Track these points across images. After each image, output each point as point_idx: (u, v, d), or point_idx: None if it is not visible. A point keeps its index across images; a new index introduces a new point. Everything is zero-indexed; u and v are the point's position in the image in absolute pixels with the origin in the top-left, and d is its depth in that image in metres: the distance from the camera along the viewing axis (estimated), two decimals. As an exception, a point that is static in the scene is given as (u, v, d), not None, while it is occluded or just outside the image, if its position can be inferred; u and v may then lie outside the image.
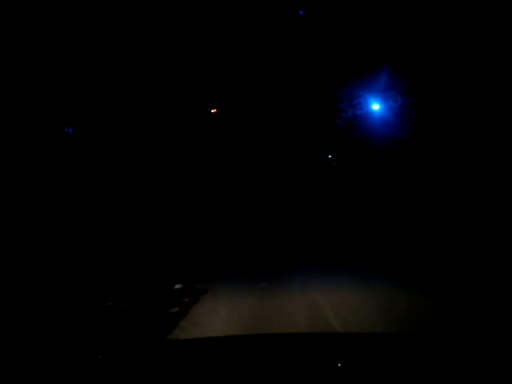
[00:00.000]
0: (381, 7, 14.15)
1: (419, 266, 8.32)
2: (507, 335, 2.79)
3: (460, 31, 11.87)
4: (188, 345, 2.31)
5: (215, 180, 22.60)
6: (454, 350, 1.78)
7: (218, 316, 5.77)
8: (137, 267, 9.11)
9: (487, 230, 9.50)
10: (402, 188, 14.43)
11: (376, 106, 15.88)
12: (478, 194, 10.89)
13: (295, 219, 21.44)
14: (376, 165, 16.72)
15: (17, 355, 4.37)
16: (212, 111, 21.88)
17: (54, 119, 11.08)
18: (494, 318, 4.86)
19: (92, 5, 11.87)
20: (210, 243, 13.56)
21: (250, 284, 7.72)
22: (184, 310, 6.19)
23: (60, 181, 10.60)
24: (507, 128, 10.73)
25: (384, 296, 6.09)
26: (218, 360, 1.83)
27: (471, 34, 11.57)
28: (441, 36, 12.51)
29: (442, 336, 2.52)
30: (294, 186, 29.93)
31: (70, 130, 12.04)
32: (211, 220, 17.78)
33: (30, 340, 4.93)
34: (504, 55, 10.90)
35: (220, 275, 9.07)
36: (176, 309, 6.28)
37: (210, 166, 22.54)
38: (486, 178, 11.02)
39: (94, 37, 12.05)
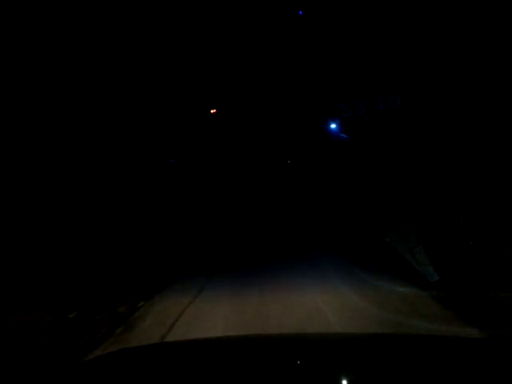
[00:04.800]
0: (380, 7, 14.17)
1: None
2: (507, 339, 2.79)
3: (456, 33, 11.92)
4: (186, 346, 2.31)
5: (213, 177, 22.81)
6: (454, 351, 1.78)
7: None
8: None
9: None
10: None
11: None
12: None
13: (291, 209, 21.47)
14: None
15: None
16: (212, 111, 21.95)
17: (55, 115, 11.08)
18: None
19: (92, 5, 11.86)
20: (193, 239, 13.21)
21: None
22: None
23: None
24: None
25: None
26: (215, 361, 1.83)
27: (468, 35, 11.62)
28: (438, 36, 12.54)
29: (442, 337, 2.52)
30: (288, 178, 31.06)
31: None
32: (203, 216, 17.74)
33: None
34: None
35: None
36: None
37: (209, 164, 22.72)
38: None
39: (93, 37, 12.05)
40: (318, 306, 5.65)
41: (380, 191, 15.43)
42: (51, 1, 10.67)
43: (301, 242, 11.66)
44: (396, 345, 1.93)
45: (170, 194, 17.10)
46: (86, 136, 12.03)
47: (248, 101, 22.94)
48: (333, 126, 18.91)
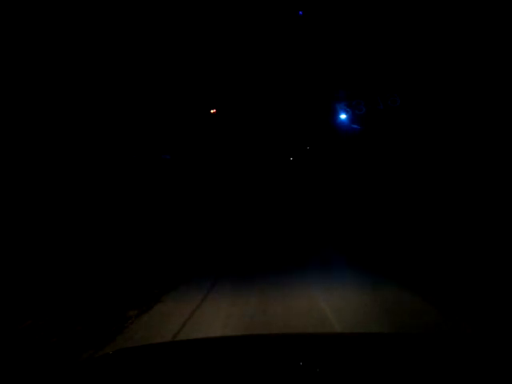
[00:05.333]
0: (380, 8, 14.18)
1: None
2: (506, 338, 2.78)
3: (455, 34, 11.93)
4: (185, 346, 2.30)
5: (214, 177, 22.78)
6: (454, 350, 1.77)
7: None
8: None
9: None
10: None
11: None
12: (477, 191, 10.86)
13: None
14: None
15: None
16: (211, 111, 21.96)
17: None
18: (493, 318, 4.86)
19: (92, 5, 11.86)
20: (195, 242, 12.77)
21: None
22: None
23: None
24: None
25: None
26: (215, 361, 1.83)
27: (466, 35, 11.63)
28: (438, 36, 12.55)
29: (442, 336, 2.52)
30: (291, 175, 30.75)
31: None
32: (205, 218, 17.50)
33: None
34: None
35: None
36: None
37: (210, 164, 22.71)
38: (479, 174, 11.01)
39: (93, 37, 12.05)
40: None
41: (390, 187, 15.25)
42: (51, 0, 10.68)
43: (305, 244, 11.46)
44: (396, 345, 1.92)
45: (169, 191, 16.99)
46: (83, 133, 11.82)
47: (248, 101, 22.97)
48: (343, 116, 17.30)
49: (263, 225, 16.36)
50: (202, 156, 22.06)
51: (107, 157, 13.11)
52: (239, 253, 10.90)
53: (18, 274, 7.51)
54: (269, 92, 22.11)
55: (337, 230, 13.54)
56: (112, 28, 12.65)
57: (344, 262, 9.03)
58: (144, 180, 15.28)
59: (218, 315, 5.67)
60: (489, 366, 1.55)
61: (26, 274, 7.58)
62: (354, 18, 15.16)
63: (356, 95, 16.26)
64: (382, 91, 15.46)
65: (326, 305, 5.75)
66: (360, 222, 14.00)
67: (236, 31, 17.69)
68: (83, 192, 11.27)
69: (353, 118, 17.30)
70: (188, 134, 19.46)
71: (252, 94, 22.32)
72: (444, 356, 1.67)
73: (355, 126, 17.99)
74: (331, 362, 1.73)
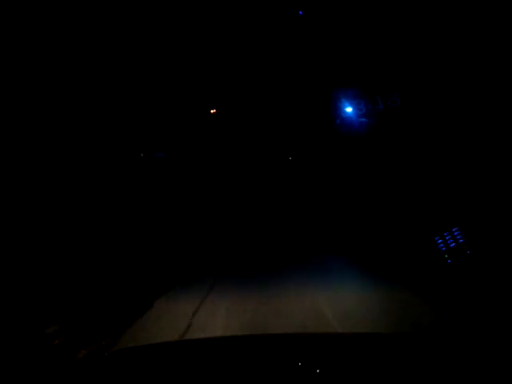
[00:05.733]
0: (380, 7, 14.16)
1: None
2: (505, 335, 2.79)
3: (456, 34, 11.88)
4: (186, 346, 2.31)
5: (214, 178, 22.72)
6: (454, 350, 1.78)
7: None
8: None
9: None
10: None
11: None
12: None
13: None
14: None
15: None
16: (211, 111, 21.95)
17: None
18: (491, 316, 4.89)
19: (92, 5, 11.85)
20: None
21: None
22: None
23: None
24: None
25: None
26: (215, 361, 1.83)
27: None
28: (439, 36, 12.52)
29: (441, 336, 2.53)
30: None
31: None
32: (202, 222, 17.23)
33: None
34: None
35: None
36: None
37: (208, 163, 22.68)
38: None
39: (93, 37, 12.03)
40: None
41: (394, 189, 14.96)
42: (51, 0, 10.66)
43: (305, 246, 11.37)
44: (395, 345, 1.93)
45: (163, 190, 16.83)
46: (79, 132, 11.60)
47: (248, 100, 22.93)
48: (349, 109, 16.47)
49: (262, 225, 16.31)
50: (200, 155, 22.00)
51: (95, 155, 12.61)
52: (238, 256, 10.80)
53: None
54: (268, 91, 22.08)
55: (339, 231, 13.44)
56: (111, 27, 12.64)
57: (345, 265, 8.93)
58: (134, 179, 14.94)
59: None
60: (487, 364, 1.56)
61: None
62: (353, 18, 15.15)
63: (356, 95, 16.23)
64: (382, 91, 15.42)
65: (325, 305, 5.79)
66: (364, 224, 13.77)
67: (236, 31, 17.68)
68: (70, 193, 11.02)
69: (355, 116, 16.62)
70: (186, 133, 19.44)
71: (252, 93, 22.29)
72: (443, 356, 1.68)
73: (363, 120, 16.72)
74: (331, 362, 1.74)
